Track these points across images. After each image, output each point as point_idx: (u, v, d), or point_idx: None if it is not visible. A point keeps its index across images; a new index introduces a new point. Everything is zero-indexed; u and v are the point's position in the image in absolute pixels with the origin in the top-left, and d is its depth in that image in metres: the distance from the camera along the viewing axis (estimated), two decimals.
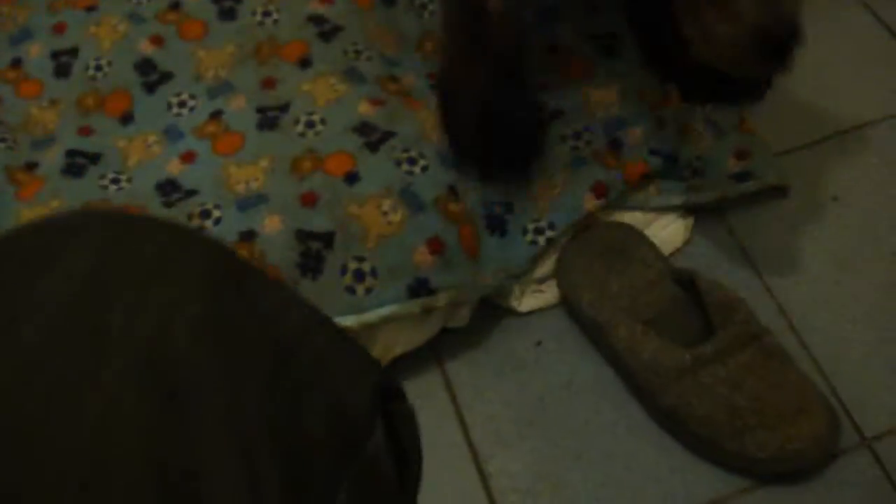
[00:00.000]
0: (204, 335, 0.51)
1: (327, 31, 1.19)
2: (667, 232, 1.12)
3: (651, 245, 1.08)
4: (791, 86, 1.22)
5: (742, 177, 1.12)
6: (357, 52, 1.17)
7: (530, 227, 1.08)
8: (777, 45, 0.89)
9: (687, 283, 1.03)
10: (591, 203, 1.09)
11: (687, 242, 1.12)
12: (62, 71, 1.18)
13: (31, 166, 1.10)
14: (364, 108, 1.11)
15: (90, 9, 1.23)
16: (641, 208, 1.12)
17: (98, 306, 0.50)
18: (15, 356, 0.48)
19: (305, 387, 0.57)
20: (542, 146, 1.14)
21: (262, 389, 0.53)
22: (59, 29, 1.22)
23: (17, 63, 1.20)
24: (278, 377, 0.55)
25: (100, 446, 0.46)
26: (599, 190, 1.10)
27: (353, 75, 1.15)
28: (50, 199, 1.06)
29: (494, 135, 1.10)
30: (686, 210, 1.13)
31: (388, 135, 1.09)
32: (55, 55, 1.20)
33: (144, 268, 0.53)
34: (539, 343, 1.06)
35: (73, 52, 1.19)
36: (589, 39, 1.21)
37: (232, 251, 0.57)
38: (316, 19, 1.20)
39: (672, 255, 1.10)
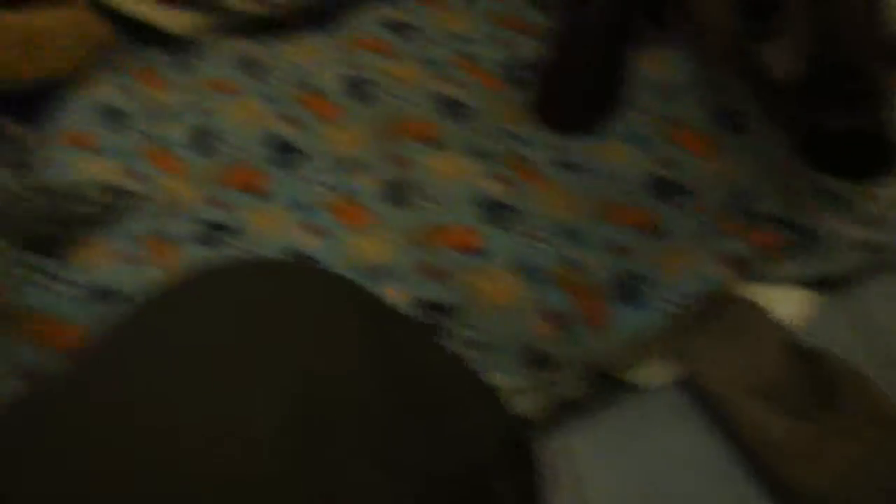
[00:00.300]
0: (358, 373, 0.54)
1: (457, 111, 1.23)
2: (791, 306, 1.10)
3: (775, 320, 1.06)
4: None
5: (869, 246, 1.10)
6: (486, 132, 1.20)
7: (663, 296, 1.07)
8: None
9: (812, 358, 1.01)
10: (722, 273, 1.08)
11: (812, 317, 1.10)
12: (201, 149, 1.24)
13: (162, 235, 1.14)
14: (490, 186, 1.13)
15: (231, 91, 1.29)
16: (767, 280, 1.11)
17: (265, 340, 0.52)
18: (187, 384, 0.51)
19: (445, 426, 0.59)
20: (616, 109, 1.22)
21: (405, 425, 0.55)
22: (200, 111, 1.28)
23: (160, 142, 1.26)
24: (420, 415, 0.57)
25: (253, 467, 0.48)
26: (730, 261, 1.09)
27: (480, 154, 1.17)
28: (181, 266, 1.10)
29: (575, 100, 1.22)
30: (812, 283, 1.11)
31: (513, 210, 1.11)
32: (196, 135, 1.25)
33: (307, 308, 0.55)
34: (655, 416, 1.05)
35: (213, 132, 1.25)
36: (714, 115, 1.21)
37: (382, 300, 0.60)
38: (445, 100, 1.24)
39: (796, 330, 1.08)
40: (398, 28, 1.35)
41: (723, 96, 1.22)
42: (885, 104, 1.18)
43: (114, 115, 1.30)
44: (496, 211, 1.11)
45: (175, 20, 1.38)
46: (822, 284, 1.11)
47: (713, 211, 1.13)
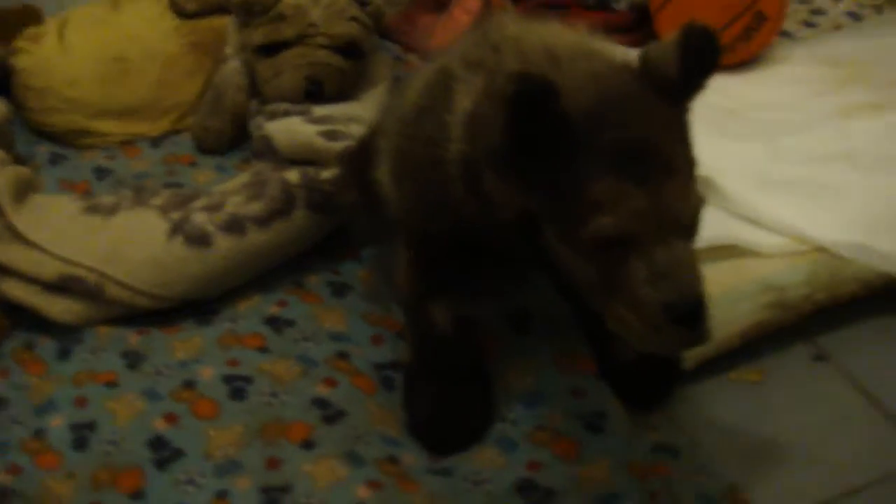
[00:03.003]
0: None
1: (331, 414, 1.27)
2: None
3: None
4: (776, 453, 1.28)
5: None
6: (358, 436, 1.25)
7: None
8: (685, 314, 0.95)
9: None
10: None
11: None
12: (80, 444, 1.25)
13: None
14: (362, 492, 1.17)
15: (110, 384, 1.32)
16: None
17: None
18: None
19: None
20: (491, 423, 1.29)
21: None
22: (80, 402, 1.30)
23: (39, 434, 1.27)
24: None
25: None
26: None
27: (353, 458, 1.22)
28: None
29: (447, 421, 1.27)
30: None
31: None
32: (74, 428, 1.27)
33: None
34: None
35: (92, 425, 1.27)
36: (575, 418, 1.29)
37: None
38: (320, 402, 1.29)
39: None
40: (275, 324, 1.41)
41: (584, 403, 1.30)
42: None
43: None
44: None
45: (59, 308, 1.41)
46: None
47: None
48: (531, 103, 0.93)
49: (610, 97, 0.98)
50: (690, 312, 0.95)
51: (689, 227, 0.99)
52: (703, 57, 0.99)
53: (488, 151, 1.01)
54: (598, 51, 1.06)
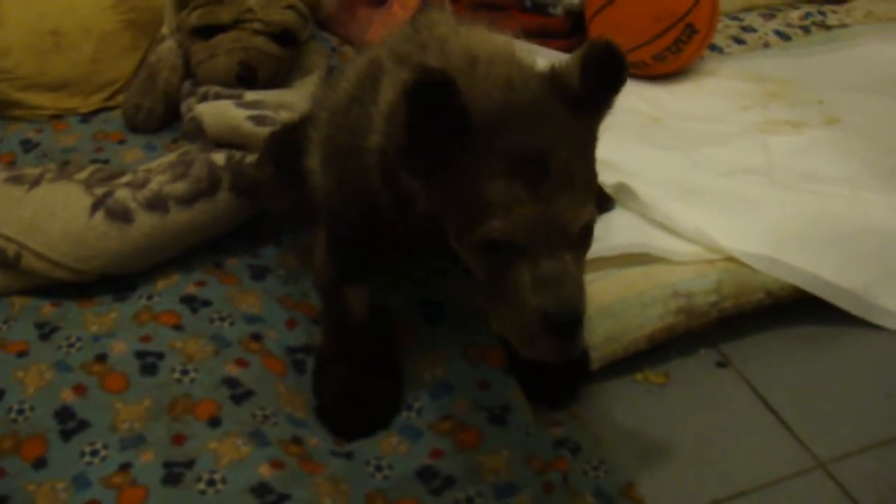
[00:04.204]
0: None
1: (239, 393, 1.29)
2: None
3: None
4: (673, 453, 1.32)
5: None
6: (265, 416, 1.27)
7: None
8: (561, 325, 0.97)
9: None
10: None
11: None
12: None
13: None
14: (264, 470, 1.19)
15: (21, 354, 1.33)
16: None
17: None
18: None
19: None
20: (397, 411, 1.32)
21: None
22: None
23: None
24: None
25: None
26: None
27: (258, 437, 1.24)
28: None
29: (354, 406, 1.29)
30: None
31: (282, 497, 1.17)
32: None
33: None
34: None
35: None
36: (479, 409, 1.32)
37: None
38: (230, 381, 1.30)
39: None
40: (192, 303, 1.43)
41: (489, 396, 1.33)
42: None
43: None
44: (266, 496, 1.17)
45: None
46: None
47: (477, 502, 1.21)
48: (429, 94, 0.95)
49: (515, 104, 1.00)
50: (567, 324, 0.97)
51: (578, 240, 1.00)
52: (604, 73, 1.00)
53: (395, 143, 1.03)
54: (519, 57, 1.07)
